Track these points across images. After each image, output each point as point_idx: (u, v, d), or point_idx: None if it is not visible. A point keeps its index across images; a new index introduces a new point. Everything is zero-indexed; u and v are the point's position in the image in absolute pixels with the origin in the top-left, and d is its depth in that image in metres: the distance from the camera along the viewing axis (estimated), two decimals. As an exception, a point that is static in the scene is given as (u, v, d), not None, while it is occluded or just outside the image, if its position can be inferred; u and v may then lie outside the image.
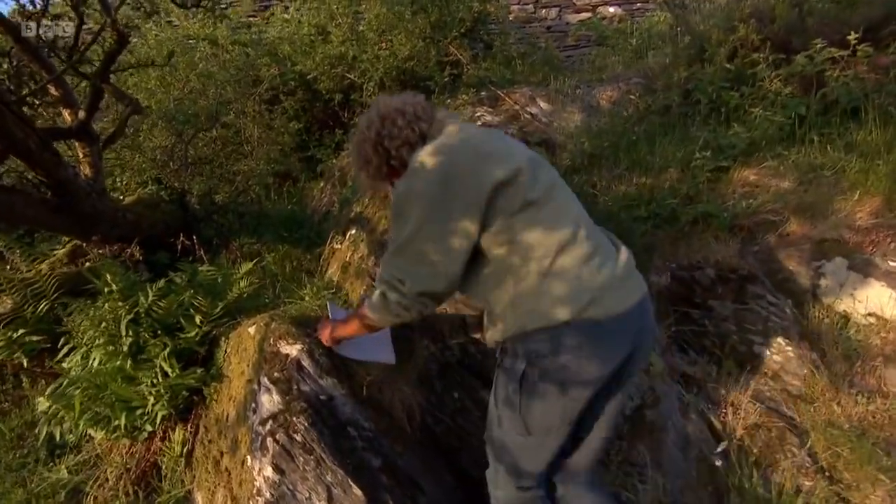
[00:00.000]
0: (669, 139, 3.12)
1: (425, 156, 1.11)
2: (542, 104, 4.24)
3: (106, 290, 1.97)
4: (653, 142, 3.15)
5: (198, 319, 1.90)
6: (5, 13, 1.82)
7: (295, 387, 1.46)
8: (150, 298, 1.91)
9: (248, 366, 1.64)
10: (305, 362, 1.51)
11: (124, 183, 2.78)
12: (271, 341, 1.58)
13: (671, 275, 2.37)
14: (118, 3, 1.91)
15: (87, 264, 2.58)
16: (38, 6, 1.94)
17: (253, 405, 1.51)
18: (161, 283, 1.97)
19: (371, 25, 4.65)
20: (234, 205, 2.65)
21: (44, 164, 1.87)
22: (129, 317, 1.88)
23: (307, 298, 2.05)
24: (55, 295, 2.26)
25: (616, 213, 2.54)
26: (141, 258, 2.64)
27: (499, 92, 4.31)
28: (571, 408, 1.09)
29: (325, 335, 1.50)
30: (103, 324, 1.91)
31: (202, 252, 2.68)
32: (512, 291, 1.09)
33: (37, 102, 2.05)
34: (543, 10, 6.81)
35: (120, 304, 1.88)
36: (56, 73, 1.87)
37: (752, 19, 3.20)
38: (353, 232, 2.32)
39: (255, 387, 1.52)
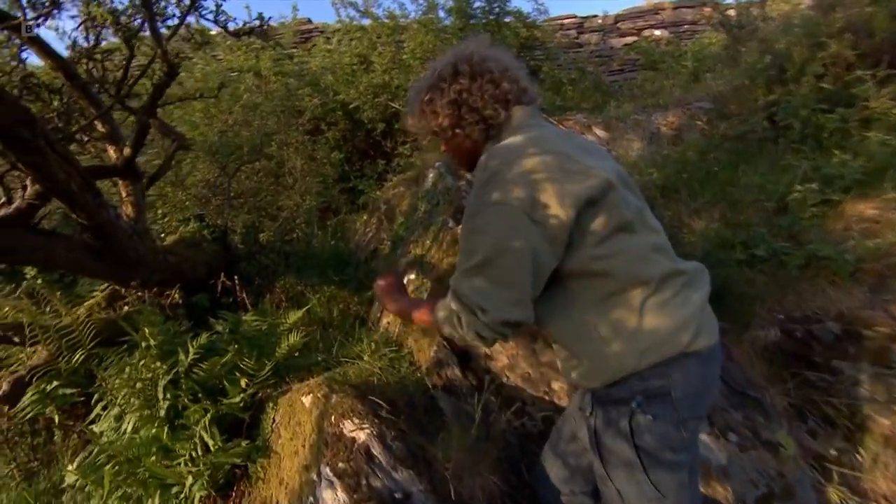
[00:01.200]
0: (754, 169, 2.80)
1: (514, 152, 0.97)
2: (599, 132, 3.98)
3: (143, 344, 1.77)
4: (734, 171, 2.83)
5: (243, 382, 1.67)
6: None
7: (364, 481, 1.19)
8: (191, 357, 1.69)
9: (303, 446, 1.38)
10: (376, 450, 1.24)
11: (165, 219, 2.63)
12: (332, 419, 1.33)
13: (781, 328, 2.02)
14: (170, 33, 1.76)
15: (126, 308, 2.41)
16: (90, 42, 1.81)
17: (311, 500, 1.24)
18: (203, 338, 1.76)
19: (414, 53, 4.53)
20: (280, 244, 2.45)
21: (85, 206, 1.70)
22: (167, 377, 1.66)
23: (366, 357, 1.79)
24: (91, 344, 2.08)
25: (709, 253, 2.22)
26: (181, 301, 2.46)
27: (551, 120, 4.08)
28: (690, 451, 1.00)
29: (387, 296, 1.23)
30: (139, 384, 1.69)
31: (244, 294, 2.49)
32: (613, 323, 0.96)
33: (84, 139, 1.91)
34: (586, 35, 6.63)
35: (158, 363, 1.67)
36: (104, 108, 1.71)
37: (846, 33, 2.88)
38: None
39: (315, 477, 1.25)
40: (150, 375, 1.68)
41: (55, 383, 2.08)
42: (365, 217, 3.89)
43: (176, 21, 1.79)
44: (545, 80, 4.81)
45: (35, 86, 2.00)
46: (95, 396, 1.91)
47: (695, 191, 2.89)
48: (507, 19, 4.30)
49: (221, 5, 1.84)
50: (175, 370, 1.71)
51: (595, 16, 6.69)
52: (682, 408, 0.95)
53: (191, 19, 1.90)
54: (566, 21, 6.55)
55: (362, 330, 2.23)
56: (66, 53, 1.93)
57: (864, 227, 2.18)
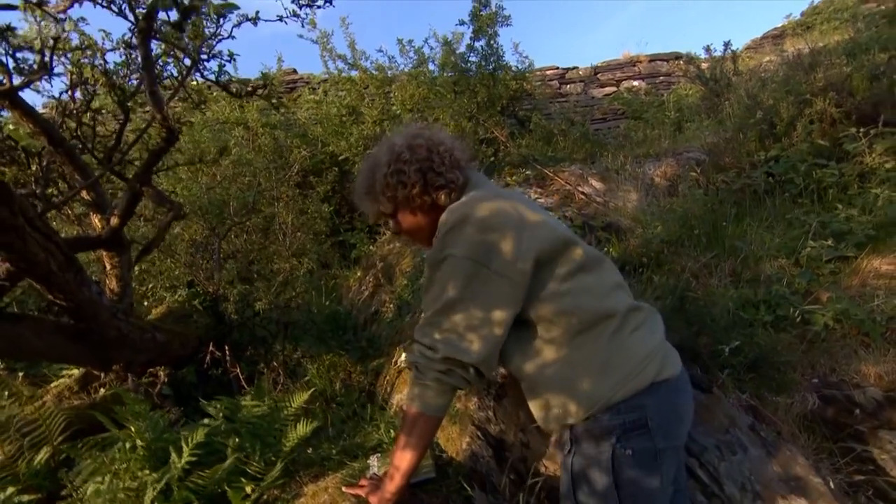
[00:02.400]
0: (758, 222, 2.79)
1: (471, 206, 1.03)
2: (595, 183, 3.99)
3: (127, 444, 1.53)
4: (740, 225, 2.82)
5: (248, 488, 1.44)
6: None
7: None
8: (185, 460, 1.46)
9: (325, 572, 1.17)
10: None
11: (150, 287, 2.41)
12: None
13: (818, 395, 1.92)
14: (170, 95, 1.63)
15: (103, 392, 2.15)
16: (79, 102, 1.66)
17: None
18: (199, 433, 1.53)
19: (405, 105, 4.52)
20: (277, 312, 2.26)
21: (65, 286, 1.51)
22: (157, 486, 1.42)
23: (385, 446, 1.60)
24: (59, 439, 1.82)
25: (733, 313, 2.13)
26: (166, 379, 2.21)
27: (546, 171, 4.07)
28: (668, 481, 1.00)
29: (374, 492, 1.20)
30: (121, 495, 1.45)
31: (237, 369, 2.27)
32: (583, 358, 1.01)
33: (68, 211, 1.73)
34: (569, 86, 6.83)
35: (146, 470, 1.44)
36: (93, 177, 1.55)
37: (829, 92, 2.98)
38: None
39: None
40: (135, 485, 1.44)
41: (10, 490, 1.78)
42: (358, 273, 3.73)
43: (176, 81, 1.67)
44: (535, 130, 4.86)
45: (10, 148, 1.82)
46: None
47: (700, 243, 2.86)
48: (499, 73, 4.36)
49: (225, 66, 1.73)
50: (166, 476, 1.47)
51: (575, 67, 6.92)
52: (658, 437, 0.97)
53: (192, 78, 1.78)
54: (549, 72, 6.75)
55: (373, 408, 2.03)
56: (44, 110, 1.78)
57: (882, 284, 2.16)
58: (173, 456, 1.50)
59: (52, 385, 2.21)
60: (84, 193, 1.74)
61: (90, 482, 1.55)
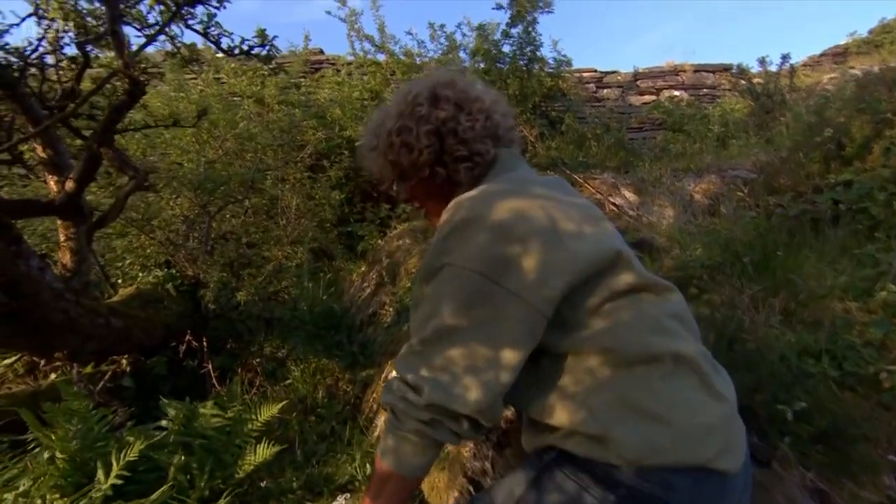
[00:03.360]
0: (818, 255, 2.43)
1: (487, 201, 0.75)
2: (628, 194, 3.65)
3: (45, 454, 1.28)
4: (796, 257, 2.45)
5: (183, 524, 1.18)
6: None
7: None
8: (112, 478, 1.20)
9: None
10: None
11: (127, 264, 2.17)
12: None
13: (896, 476, 1.57)
14: (144, 42, 1.36)
15: (53, 377, 1.91)
16: (39, 50, 1.41)
17: None
18: (136, 446, 1.26)
19: (430, 94, 4.21)
20: (261, 306, 1.99)
21: (-7, 255, 1.25)
22: (72, 512, 1.16)
23: (358, 482, 1.31)
24: (-8, 429, 1.58)
25: (788, 360, 1.79)
26: (128, 369, 1.96)
27: (576, 176, 3.74)
28: None
29: None
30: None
31: (209, 365, 2.01)
32: (620, 402, 0.72)
33: (13, 163, 1.48)
34: (605, 91, 6.46)
35: (57, 496, 1.17)
36: (43, 125, 1.29)
37: (917, 112, 2.59)
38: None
39: None
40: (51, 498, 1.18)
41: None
42: (363, 268, 3.44)
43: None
44: (567, 132, 4.52)
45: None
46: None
47: (746, 273, 2.50)
48: (534, 67, 4.03)
49: (215, 15, 1.45)
50: (86, 494, 1.21)
51: (615, 72, 6.55)
52: None
53: (177, 29, 1.51)
54: (586, 74, 6.39)
55: (354, 428, 1.75)
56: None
57: (980, 346, 1.79)
58: (99, 474, 1.24)
59: None
60: (39, 150, 1.49)
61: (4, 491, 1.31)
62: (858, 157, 2.66)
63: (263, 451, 1.35)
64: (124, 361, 1.98)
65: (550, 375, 0.78)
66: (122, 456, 1.25)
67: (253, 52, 1.60)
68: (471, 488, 1.21)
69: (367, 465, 1.38)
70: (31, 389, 1.71)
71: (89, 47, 1.32)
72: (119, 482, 1.17)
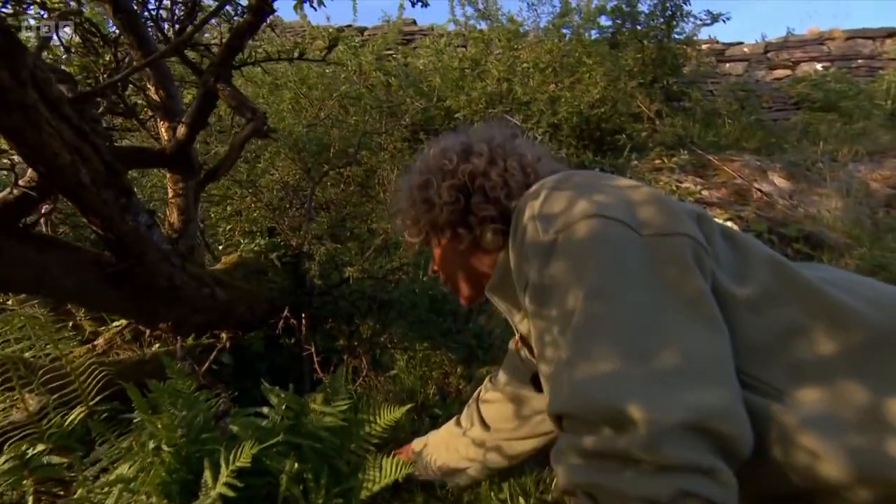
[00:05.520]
0: None
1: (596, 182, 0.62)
2: (778, 180, 3.05)
3: (151, 443, 1.09)
4: None
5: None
6: None
7: None
8: (219, 487, 0.98)
9: None
10: None
11: (228, 229, 2.02)
12: None
13: None
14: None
15: (157, 346, 1.79)
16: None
17: None
18: (246, 450, 1.04)
19: (537, 64, 3.81)
20: (371, 284, 1.75)
21: (100, 207, 1.07)
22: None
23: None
24: (96, 399, 1.45)
25: None
26: (227, 344, 1.80)
27: (709, 157, 3.20)
28: None
29: None
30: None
31: (312, 348, 1.81)
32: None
33: (121, 107, 1.30)
34: (728, 65, 5.67)
35: (171, 477, 0.97)
36: (154, 56, 1.08)
37: None
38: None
39: None
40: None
41: (40, 447, 1.46)
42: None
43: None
44: (693, 109, 3.93)
45: (88, 31, 1.43)
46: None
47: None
48: (677, 23, 3.47)
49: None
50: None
51: (739, 43, 5.73)
52: None
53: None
54: (705, 46, 5.63)
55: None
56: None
57: None
58: (206, 475, 1.03)
59: (108, 328, 1.89)
60: (152, 92, 1.30)
61: (102, 478, 1.14)
62: None
63: (392, 470, 1.08)
64: (224, 336, 1.81)
65: None
66: (230, 458, 1.03)
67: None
68: None
69: (503, 489, 1.07)
70: (137, 358, 1.58)
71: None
72: (229, 493, 0.95)
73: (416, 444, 1.25)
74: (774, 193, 2.90)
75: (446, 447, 1.17)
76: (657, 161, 3.23)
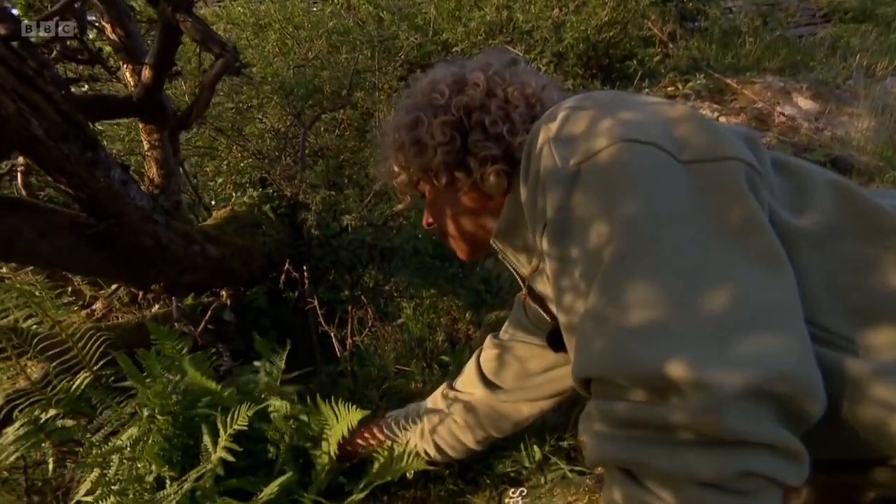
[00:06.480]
0: None
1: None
2: (802, 102, 2.84)
3: (145, 412, 1.05)
4: None
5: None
6: None
7: None
8: (219, 449, 0.95)
9: None
10: None
11: (219, 183, 1.91)
12: None
13: None
14: None
15: (157, 308, 1.74)
16: None
17: None
18: (242, 411, 0.99)
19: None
20: (371, 231, 1.67)
21: (63, 163, 0.97)
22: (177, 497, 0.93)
23: (525, 471, 0.98)
24: (98, 364, 1.42)
25: None
26: (228, 302, 1.75)
27: (728, 80, 2.97)
28: None
29: None
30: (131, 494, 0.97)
31: (315, 300, 1.76)
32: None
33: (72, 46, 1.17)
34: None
35: (163, 465, 0.94)
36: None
37: None
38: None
39: None
40: (150, 480, 0.97)
41: (52, 412, 1.46)
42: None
43: None
44: (709, 29, 3.63)
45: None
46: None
47: None
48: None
49: None
50: (191, 478, 0.96)
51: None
52: None
53: None
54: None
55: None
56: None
57: None
58: (206, 440, 0.99)
59: (106, 291, 1.85)
60: (109, 30, 1.16)
61: (106, 446, 1.12)
62: None
63: (409, 462, 1.01)
64: (223, 293, 1.75)
65: None
66: (228, 420, 0.98)
67: None
68: None
69: (535, 451, 1.03)
70: (137, 321, 1.53)
71: None
72: (230, 458, 0.91)
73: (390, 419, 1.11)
74: (799, 116, 2.70)
75: (445, 431, 1.01)
76: (670, 88, 3.01)
